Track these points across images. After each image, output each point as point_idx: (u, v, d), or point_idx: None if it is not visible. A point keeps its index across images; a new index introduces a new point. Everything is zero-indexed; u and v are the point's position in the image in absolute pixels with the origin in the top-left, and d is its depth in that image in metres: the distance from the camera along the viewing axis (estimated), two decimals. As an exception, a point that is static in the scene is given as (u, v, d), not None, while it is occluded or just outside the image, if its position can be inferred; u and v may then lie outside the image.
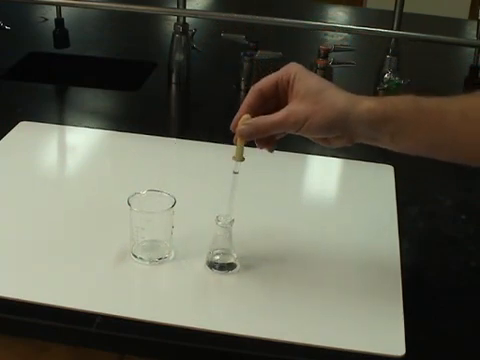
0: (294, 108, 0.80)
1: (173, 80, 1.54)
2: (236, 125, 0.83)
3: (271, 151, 0.86)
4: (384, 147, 0.81)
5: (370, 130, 0.79)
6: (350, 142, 0.82)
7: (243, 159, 0.85)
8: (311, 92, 0.80)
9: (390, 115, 0.79)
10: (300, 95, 0.80)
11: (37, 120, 1.30)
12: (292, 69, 0.83)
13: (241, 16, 1.47)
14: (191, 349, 0.81)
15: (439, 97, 0.79)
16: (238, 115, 0.83)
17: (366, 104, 0.79)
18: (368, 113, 0.79)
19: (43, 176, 1.13)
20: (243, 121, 0.82)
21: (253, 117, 0.82)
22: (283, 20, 1.47)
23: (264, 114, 0.82)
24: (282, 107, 0.82)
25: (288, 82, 0.82)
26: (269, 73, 0.85)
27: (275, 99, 0.84)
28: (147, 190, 0.93)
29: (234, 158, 0.85)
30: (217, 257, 0.90)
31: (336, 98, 0.80)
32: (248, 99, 0.84)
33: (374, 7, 2.63)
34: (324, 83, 0.82)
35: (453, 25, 2.18)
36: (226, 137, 1.28)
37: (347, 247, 0.98)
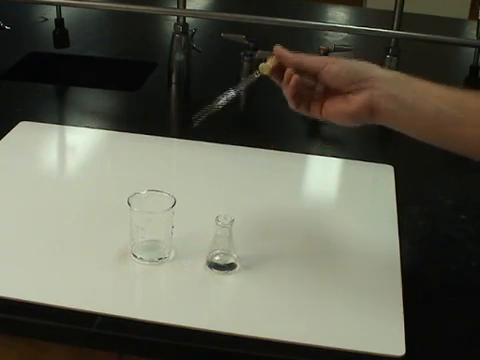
0: (324, 57, 0.88)
1: (173, 80, 1.54)
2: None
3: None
4: (397, 128, 0.83)
5: (390, 96, 0.81)
6: (370, 114, 0.82)
7: (267, 71, 0.86)
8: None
9: (412, 85, 0.82)
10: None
11: (37, 120, 1.30)
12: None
13: (241, 16, 1.47)
14: (191, 349, 0.81)
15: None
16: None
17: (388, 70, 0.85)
18: (392, 73, 0.85)
19: (43, 176, 1.13)
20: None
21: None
22: (283, 20, 1.47)
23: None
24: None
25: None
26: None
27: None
28: (147, 190, 0.93)
29: (261, 66, 0.86)
30: (217, 257, 0.90)
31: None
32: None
33: (374, 7, 2.63)
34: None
35: (453, 25, 2.18)
36: (226, 137, 1.28)
37: (347, 247, 0.98)
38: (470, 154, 0.79)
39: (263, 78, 0.87)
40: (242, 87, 0.88)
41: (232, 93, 0.88)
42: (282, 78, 0.86)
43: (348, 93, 0.83)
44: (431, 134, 0.80)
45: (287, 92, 0.86)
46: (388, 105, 0.81)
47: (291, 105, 0.87)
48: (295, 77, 0.84)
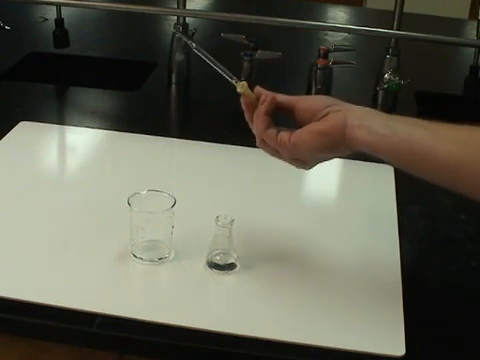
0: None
1: (173, 80, 1.54)
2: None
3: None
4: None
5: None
6: (342, 123, 0.80)
7: (243, 89, 0.85)
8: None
9: (380, 151, 0.79)
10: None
11: (37, 120, 1.30)
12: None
13: (241, 16, 1.47)
14: (191, 349, 0.81)
15: (434, 131, 0.78)
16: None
17: (356, 134, 0.79)
18: (357, 144, 0.80)
19: (43, 176, 1.13)
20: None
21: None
22: (283, 20, 1.47)
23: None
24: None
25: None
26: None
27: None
28: (147, 190, 0.93)
29: (240, 87, 0.85)
30: (217, 257, 0.90)
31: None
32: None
33: (374, 7, 2.63)
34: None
35: (453, 25, 2.18)
36: (226, 137, 1.28)
37: (347, 247, 0.98)
38: (445, 184, 0.77)
39: (257, 81, 0.86)
40: (219, 67, 0.87)
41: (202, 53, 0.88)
42: (252, 113, 0.85)
43: (323, 117, 0.81)
44: (404, 159, 0.78)
45: (262, 109, 0.84)
46: (361, 129, 0.79)
47: (260, 126, 0.83)
48: (271, 96, 0.83)
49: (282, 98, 0.85)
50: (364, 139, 0.78)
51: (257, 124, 0.84)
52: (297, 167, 0.86)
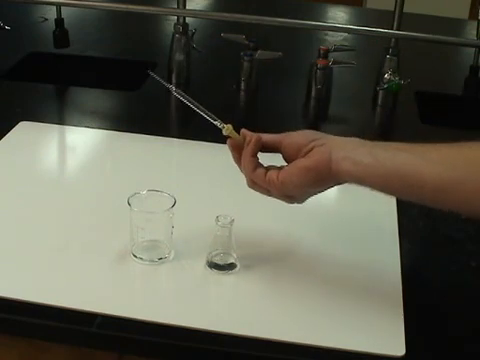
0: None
1: (173, 80, 1.55)
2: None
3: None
4: None
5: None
6: (328, 157, 0.82)
7: (227, 132, 0.86)
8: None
9: (364, 181, 0.81)
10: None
11: (37, 120, 1.30)
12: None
13: (241, 16, 1.47)
14: (191, 349, 0.81)
15: (420, 155, 0.78)
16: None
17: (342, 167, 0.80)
18: (343, 176, 0.81)
19: (43, 176, 1.13)
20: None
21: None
22: (283, 20, 1.47)
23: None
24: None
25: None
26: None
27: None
28: (147, 190, 0.93)
29: (225, 129, 0.86)
30: (217, 257, 0.90)
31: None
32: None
33: (374, 7, 2.63)
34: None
35: (453, 25, 2.18)
36: (226, 137, 1.28)
37: (347, 247, 0.98)
38: (434, 205, 0.78)
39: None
40: (202, 111, 0.88)
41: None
42: (239, 155, 0.86)
43: (308, 152, 0.82)
44: (391, 186, 0.79)
45: (248, 151, 0.84)
46: (346, 160, 0.80)
47: (248, 167, 0.85)
48: (255, 137, 0.84)
49: (267, 137, 0.86)
50: (349, 171, 0.79)
51: (245, 166, 0.85)
52: (289, 203, 0.87)
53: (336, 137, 0.83)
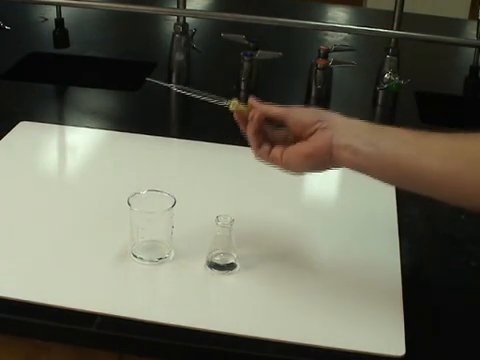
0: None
1: (173, 80, 1.55)
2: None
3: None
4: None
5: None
6: (329, 142, 0.82)
7: (234, 107, 0.87)
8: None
9: (364, 169, 0.81)
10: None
11: (37, 120, 1.30)
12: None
13: (241, 16, 1.47)
14: (191, 349, 0.81)
15: (421, 143, 0.79)
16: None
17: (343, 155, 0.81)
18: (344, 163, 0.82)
19: (43, 176, 1.13)
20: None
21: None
22: (283, 20, 1.47)
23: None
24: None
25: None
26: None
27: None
28: (147, 190, 0.93)
29: (233, 103, 0.87)
30: (217, 257, 0.90)
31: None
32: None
33: (374, 7, 2.63)
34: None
35: (453, 25, 2.18)
36: (226, 137, 1.28)
37: (347, 247, 0.98)
38: (433, 196, 0.79)
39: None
40: (206, 96, 0.89)
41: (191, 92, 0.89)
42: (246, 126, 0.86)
43: (311, 135, 0.82)
44: (389, 176, 0.80)
45: (250, 128, 0.85)
46: (347, 149, 0.80)
47: (252, 144, 0.86)
48: (258, 113, 0.85)
49: (272, 112, 0.86)
50: (350, 160, 0.80)
51: (250, 142, 0.86)
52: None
53: (340, 119, 0.83)
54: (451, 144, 0.77)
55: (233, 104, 0.87)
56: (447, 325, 0.85)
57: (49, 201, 1.04)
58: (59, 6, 1.62)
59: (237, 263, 0.91)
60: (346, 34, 1.88)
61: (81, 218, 1.00)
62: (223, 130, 1.30)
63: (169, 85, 0.89)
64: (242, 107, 0.86)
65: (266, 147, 0.86)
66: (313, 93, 1.47)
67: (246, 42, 1.50)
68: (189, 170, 1.17)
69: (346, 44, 1.76)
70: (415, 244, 1.01)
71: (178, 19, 1.53)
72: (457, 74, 1.67)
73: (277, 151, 0.84)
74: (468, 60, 1.60)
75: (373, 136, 0.80)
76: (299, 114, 0.85)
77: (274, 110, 0.85)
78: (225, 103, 0.87)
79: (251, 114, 0.85)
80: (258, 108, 0.85)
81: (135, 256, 0.91)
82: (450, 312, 0.87)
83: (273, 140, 0.86)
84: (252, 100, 0.86)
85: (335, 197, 1.17)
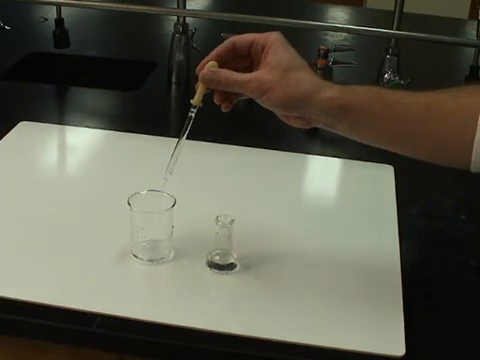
0: (260, 76, 0.80)
1: (173, 80, 1.55)
2: (201, 69, 0.83)
3: (225, 110, 0.85)
4: (343, 135, 0.81)
5: (328, 118, 0.79)
6: (308, 125, 0.82)
7: (201, 104, 0.86)
8: (281, 66, 0.79)
9: (351, 106, 0.77)
10: (270, 65, 0.80)
11: (37, 120, 1.30)
12: (271, 37, 0.82)
13: (241, 16, 1.47)
14: (191, 349, 0.81)
15: (405, 91, 0.79)
16: (205, 60, 0.84)
17: (329, 93, 0.78)
18: (329, 102, 0.77)
19: (43, 176, 1.13)
20: (209, 67, 0.83)
21: (220, 67, 0.83)
22: (283, 20, 1.47)
23: (233, 69, 0.82)
24: (253, 70, 0.82)
25: (263, 49, 0.82)
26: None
27: (248, 60, 0.84)
28: (147, 190, 0.93)
29: (192, 101, 0.85)
30: (217, 257, 0.90)
31: (303, 79, 0.79)
32: (219, 48, 0.85)
33: (374, 7, 2.63)
34: (297, 61, 0.81)
35: (453, 25, 2.18)
36: (226, 137, 1.28)
37: (347, 247, 0.98)
38: (418, 140, 0.78)
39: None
40: (183, 135, 0.89)
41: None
42: (219, 97, 0.84)
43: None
44: (374, 111, 0.77)
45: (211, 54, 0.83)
46: (332, 88, 0.78)
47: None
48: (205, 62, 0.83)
49: (238, 43, 0.85)
50: (336, 96, 0.77)
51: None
52: None
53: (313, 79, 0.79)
54: (438, 92, 0.78)
55: (195, 100, 0.85)
56: (447, 325, 0.85)
57: (49, 201, 1.04)
58: (59, 6, 1.62)
59: (237, 263, 0.91)
60: (346, 34, 1.88)
61: (81, 218, 1.00)
62: (223, 130, 1.30)
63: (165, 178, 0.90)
64: (201, 92, 0.84)
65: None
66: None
67: (246, 42, 1.50)
68: (189, 170, 1.17)
69: (346, 44, 1.76)
70: (415, 244, 1.01)
71: (178, 19, 1.53)
72: (457, 74, 1.67)
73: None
74: (468, 60, 1.60)
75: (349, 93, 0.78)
76: (278, 97, 0.79)
77: (238, 41, 0.84)
78: (192, 112, 0.87)
79: (198, 68, 0.83)
80: (216, 56, 0.83)
81: (135, 256, 0.91)
82: (450, 312, 0.87)
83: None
84: (200, 72, 0.83)
85: (335, 197, 1.17)
